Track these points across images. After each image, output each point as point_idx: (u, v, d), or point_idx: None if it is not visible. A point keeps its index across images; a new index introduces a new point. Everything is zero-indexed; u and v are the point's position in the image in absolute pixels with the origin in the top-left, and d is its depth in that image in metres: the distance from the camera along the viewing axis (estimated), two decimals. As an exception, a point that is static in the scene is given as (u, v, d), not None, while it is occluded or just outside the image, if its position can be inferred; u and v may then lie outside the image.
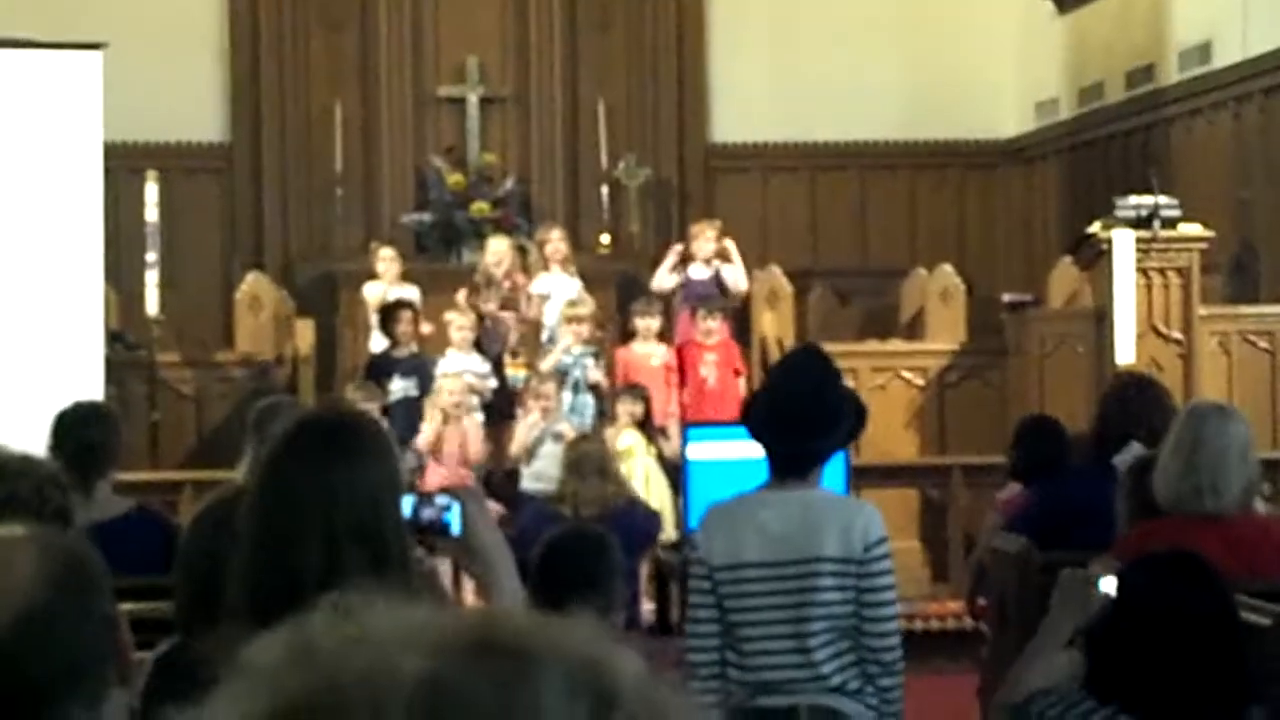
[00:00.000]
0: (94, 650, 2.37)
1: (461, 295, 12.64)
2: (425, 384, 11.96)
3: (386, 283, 13.29)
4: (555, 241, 13.16)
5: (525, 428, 11.33)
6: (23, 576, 2.34)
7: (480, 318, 12.48)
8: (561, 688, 0.99)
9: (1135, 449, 6.31)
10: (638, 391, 11.54)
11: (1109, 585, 4.22)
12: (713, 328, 12.36)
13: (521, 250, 13.92)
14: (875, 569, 4.84)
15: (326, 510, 3.06)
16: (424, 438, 11.21)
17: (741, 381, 12.23)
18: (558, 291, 12.76)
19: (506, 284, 12.89)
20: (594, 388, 12.07)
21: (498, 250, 13.26)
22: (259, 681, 1.01)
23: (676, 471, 10.35)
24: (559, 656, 1.01)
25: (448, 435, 11.22)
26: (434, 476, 10.71)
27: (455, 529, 3.30)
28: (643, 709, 1.00)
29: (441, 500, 3.32)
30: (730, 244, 13.09)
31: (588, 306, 12.36)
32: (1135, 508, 5.74)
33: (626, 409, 11.39)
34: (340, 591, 2.89)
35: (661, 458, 11.26)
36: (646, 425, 11.43)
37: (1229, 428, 5.53)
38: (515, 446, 11.38)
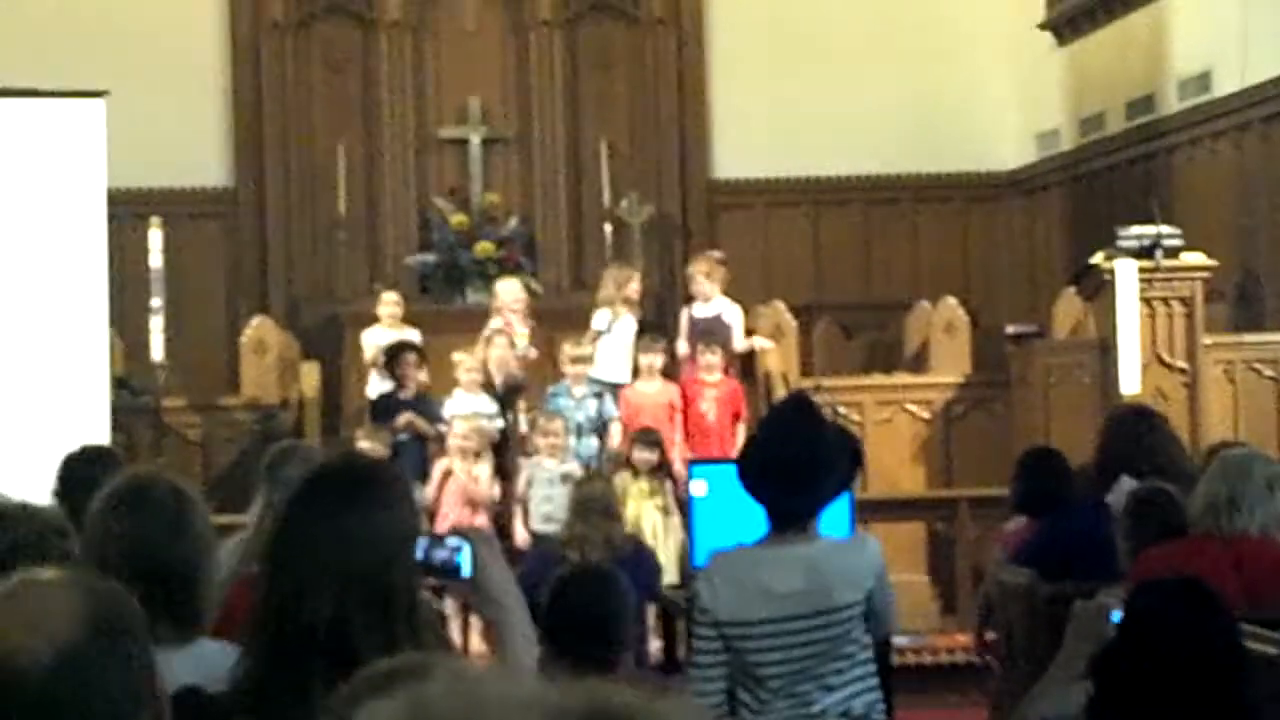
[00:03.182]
0: (132, 696, 2.36)
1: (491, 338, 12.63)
2: (432, 424, 11.98)
3: (386, 328, 13.25)
4: (636, 281, 13.23)
5: (525, 474, 11.32)
6: (62, 620, 2.33)
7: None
8: None
9: (1126, 484, 6.32)
10: (651, 437, 11.43)
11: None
12: (713, 362, 12.37)
13: (530, 291, 13.95)
14: (884, 589, 4.94)
15: (340, 561, 3.10)
16: (434, 480, 11.22)
17: (740, 426, 12.21)
18: (622, 330, 12.78)
19: (527, 326, 12.89)
20: (603, 427, 12.05)
21: (511, 290, 13.22)
22: None
23: (682, 508, 10.36)
24: None
25: (458, 476, 11.22)
26: (445, 517, 10.72)
27: (466, 571, 3.31)
28: None
29: (453, 542, 3.32)
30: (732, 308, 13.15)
31: (589, 348, 12.35)
32: (1138, 543, 5.76)
33: (642, 456, 11.28)
34: (354, 640, 2.92)
35: (669, 500, 11.21)
36: (660, 470, 11.33)
37: (1253, 459, 5.61)
38: (518, 493, 11.36)
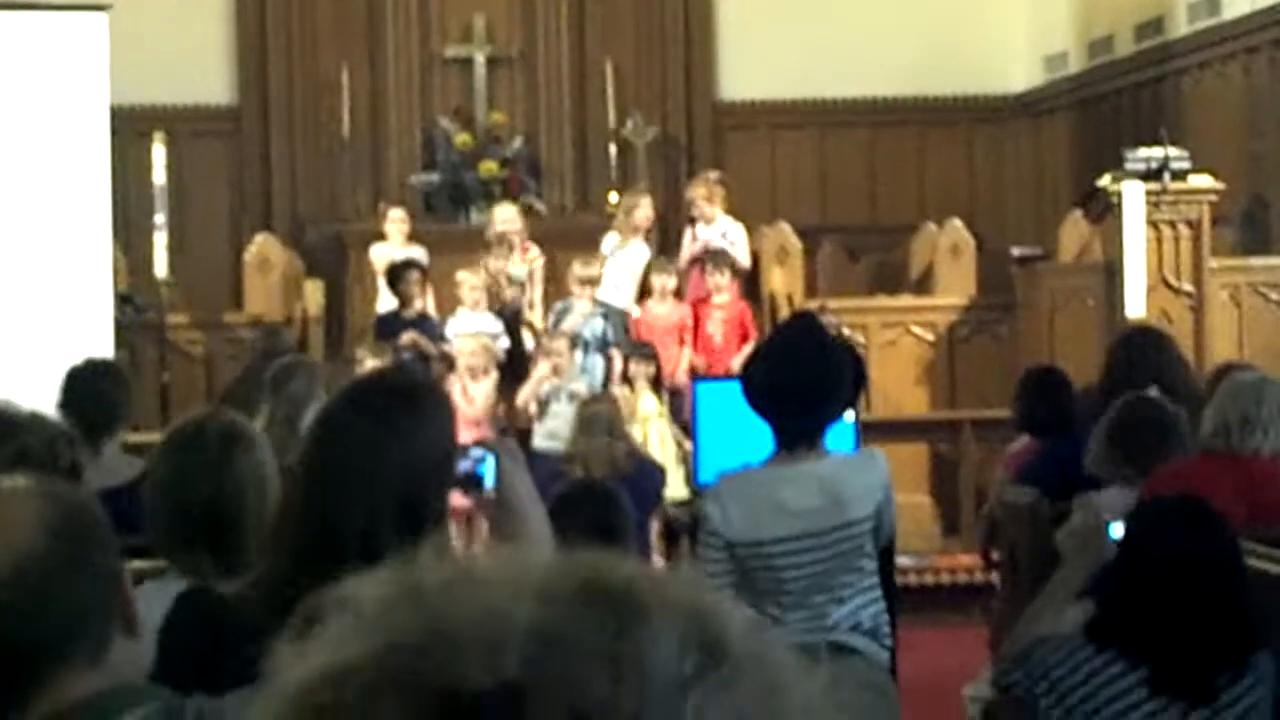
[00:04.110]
0: (94, 603, 2.35)
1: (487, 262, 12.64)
2: (434, 343, 11.97)
3: (394, 244, 13.29)
4: (644, 208, 13.18)
5: (536, 380, 11.33)
6: (23, 527, 2.33)
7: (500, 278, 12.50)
8: (671, 639, 0.98)
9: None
10: (646, 351, 11.54)
11: (1119, 532, 4.20)
12: (721, 283, 12.37)
13: (528, 210, 13.91)
14: (890, 501, 4.98)
15: (375, 472, 3.11)
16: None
17: (748, 347, 12.22)
18: (628, 256, 12.79)
19: (525, 251, 12.88)
20: (607, 347, 12.06)
21: (507, 217, 13.21)
22: (367, 621, 1.00)
23: (686, 429, 10.38)
24: (668, 607, 1.00)
25: (466, 393, 11.21)
26: (464, 431, 10.69)
27: (489, 482, 3.30)
28: (750, 662, 0.99)
29: (476, 453, 3.31)
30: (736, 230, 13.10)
31: (596, 269, 12.33)
32: (1127, 452, 5.79)
33: (640, 370, 11.36)
34: (381, 553, 2.94)
35: (673, 417, 11.27)
36: (657, 385, 11.43)
37: (1266, 381, 5.65)
38: (523, 396, 11.35)
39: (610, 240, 12.94)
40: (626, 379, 11.44)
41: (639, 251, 12.96)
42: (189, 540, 3.71)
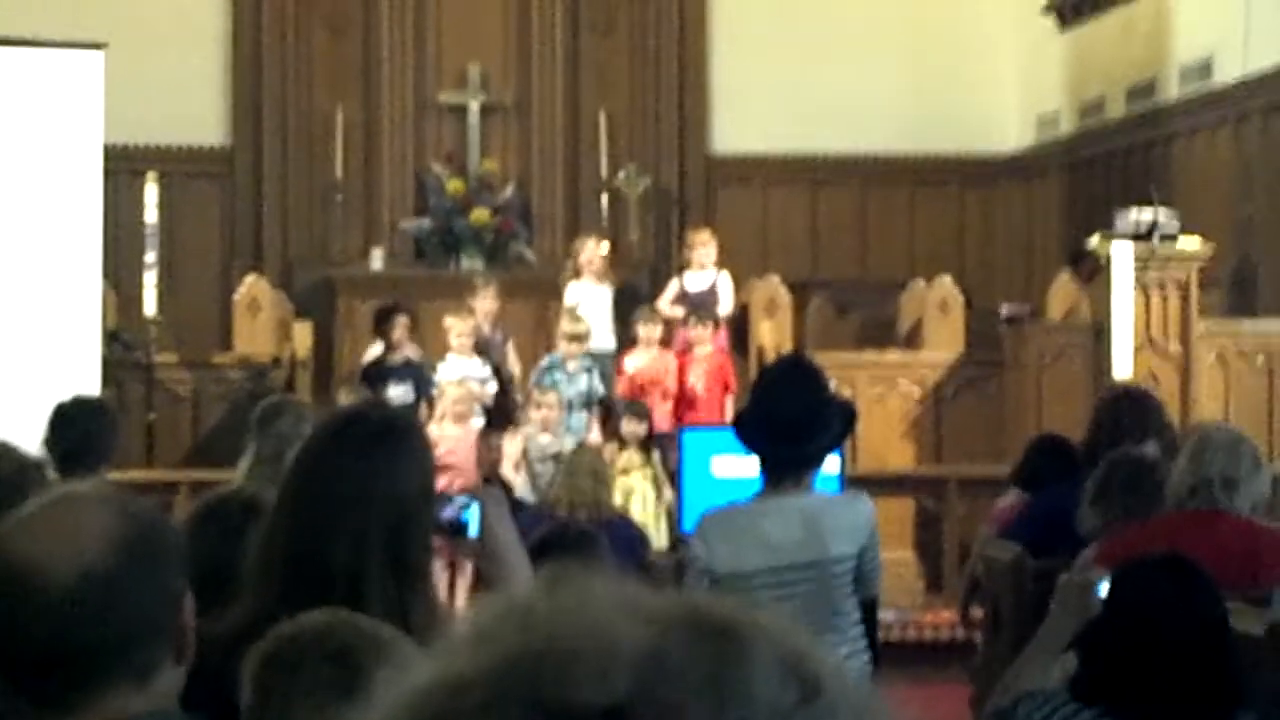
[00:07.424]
0: (153, 622, 2.34)
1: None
2: (421, 389, 11.94)
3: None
4: (589, 250, 13.24)
5: (519, 440, 11.30)
6: (93, 539, 2.32)
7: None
8: (773, 671, 1.01)
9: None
10: (639, 409, 11.40)
11: (1107, 589, 4.19)
12: (703, 335, 12.38)
13: (518, 260, 13.89)
14: (874, 550, 5.01)
15: (361, 510, 3.08)
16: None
17: (729, 398, 12.22)
18: (590, 300, 12.83)
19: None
20: (600, 402, 12.03)
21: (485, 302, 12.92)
22: (481, 637, 1.02)
23: (671, 477, 10.36)
24: (768, 641, 1.03)
25: (450, 440, 11.19)
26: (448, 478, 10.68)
27: (473, 530, 3.28)
28: (844, 699, 1.03)
29: (461, 500, 3.31)
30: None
31: (585, 324, 12.30)
32: (1104, 509, 5.80)
33: (630, 429, 11.24)
34: (368, 590, 2.92)
35: (658, 470, 11.20)
36: (649, 442, 11.28)
37: (1241, 439, 5.64)
38: (507, 461, 11.30)
39: (570, 291, 13.01)
40: (617, 435, 11.34)
41: (603, 293, 13.03)
42: (207, 605, 3.76)
